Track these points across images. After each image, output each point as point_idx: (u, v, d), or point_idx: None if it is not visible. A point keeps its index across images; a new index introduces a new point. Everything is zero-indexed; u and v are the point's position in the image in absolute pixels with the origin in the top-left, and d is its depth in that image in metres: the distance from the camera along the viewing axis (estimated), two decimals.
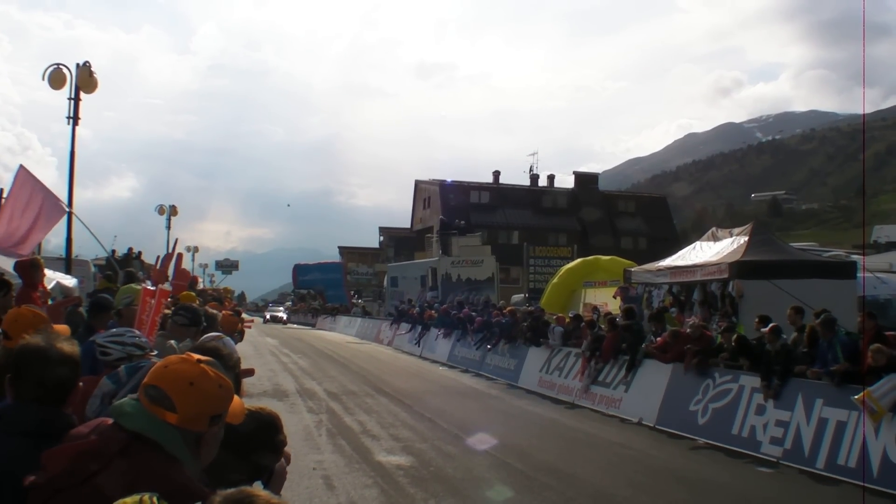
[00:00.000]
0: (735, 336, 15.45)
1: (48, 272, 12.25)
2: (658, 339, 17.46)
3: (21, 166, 14.23)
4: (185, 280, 14.72)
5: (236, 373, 5.20)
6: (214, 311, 9.68)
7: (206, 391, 2.59)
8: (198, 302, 11.75)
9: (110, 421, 2.62)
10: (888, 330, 13.17)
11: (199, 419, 2.59)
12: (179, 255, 22.02)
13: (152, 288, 10.14)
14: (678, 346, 16.32)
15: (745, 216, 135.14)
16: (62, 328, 5.51)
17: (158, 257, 26.57)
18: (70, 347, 3.09)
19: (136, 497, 2.07)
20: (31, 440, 2.76)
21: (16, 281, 8.71)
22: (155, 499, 2.08)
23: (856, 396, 11.46)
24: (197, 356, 2.68)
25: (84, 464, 2.45)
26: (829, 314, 13.62)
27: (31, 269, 8.81)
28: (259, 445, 3.38)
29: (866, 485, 10.66)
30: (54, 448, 2.53)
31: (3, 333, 4.78)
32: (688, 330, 16.70)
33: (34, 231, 14.15)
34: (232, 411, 2.77)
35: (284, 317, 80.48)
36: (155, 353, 5.40)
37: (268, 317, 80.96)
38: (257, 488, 2.04)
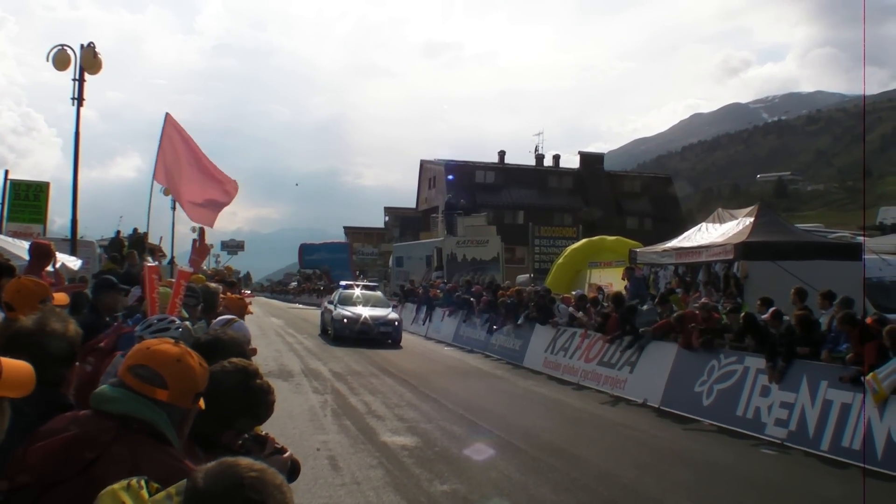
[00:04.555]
0: (743, 314, 15.39)
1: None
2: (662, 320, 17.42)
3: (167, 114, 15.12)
4: (204, 256, 14.50)
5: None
6: (214, 286, 9.69)
7: (191, 367, 2.68)
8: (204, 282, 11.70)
9: (85, 413, 2.62)
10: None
11: (187, 395, 2.66)
12: (201, 230, 22.17)
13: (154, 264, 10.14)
14: (684, 329, 16.24)
15: (750, 197, 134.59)
16: (60, 296, 5.45)
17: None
18: (62, 327, 3.09)
19: (123, 483, 2.08)
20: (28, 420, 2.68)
21: (19, 263, 8.70)
22: (143, 482, 2.08)
23: (865, 377, 11.44)
24: (171, 339, 2.80)
25: (79, 453, 2.43)
26: (850, 312, 13.42)
27: (46, 254, 8.67)
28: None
29: (870, 467, 10.67)
30: (35, 445, 2.49)
31: (6, 305, 4.75)
32: (696, 310, 16.61)
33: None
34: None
35: (395, 317, 30.25)
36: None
37: (342, 313, 30.11)
38: (239, 457, 1.99)
